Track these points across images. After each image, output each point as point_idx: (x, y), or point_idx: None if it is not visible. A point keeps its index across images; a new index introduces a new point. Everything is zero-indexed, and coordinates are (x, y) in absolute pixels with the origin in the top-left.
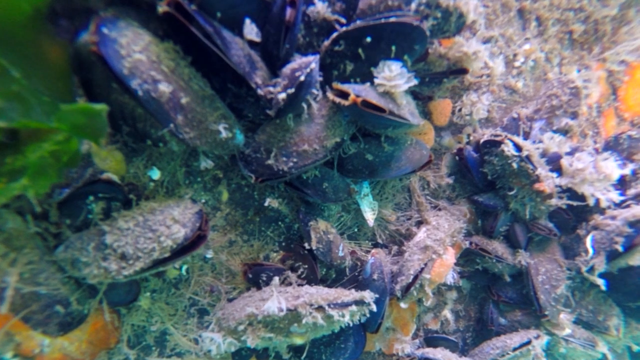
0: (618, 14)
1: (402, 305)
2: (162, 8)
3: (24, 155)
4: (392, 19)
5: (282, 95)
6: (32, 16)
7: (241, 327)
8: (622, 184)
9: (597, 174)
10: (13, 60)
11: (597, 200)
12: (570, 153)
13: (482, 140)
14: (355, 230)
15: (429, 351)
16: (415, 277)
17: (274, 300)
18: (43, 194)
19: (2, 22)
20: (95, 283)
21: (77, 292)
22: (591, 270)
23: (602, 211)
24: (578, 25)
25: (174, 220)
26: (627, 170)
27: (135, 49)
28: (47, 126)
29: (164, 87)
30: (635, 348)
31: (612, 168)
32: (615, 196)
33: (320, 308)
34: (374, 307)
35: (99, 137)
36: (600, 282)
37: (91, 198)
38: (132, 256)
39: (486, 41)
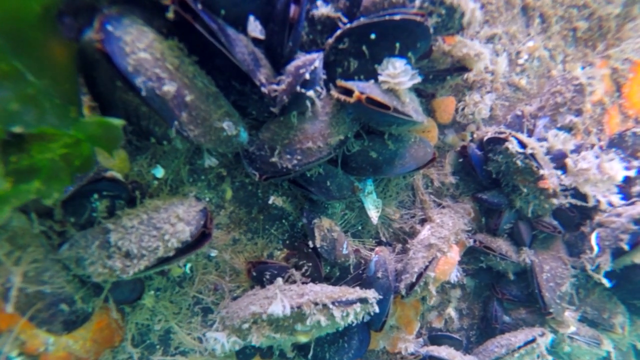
0: (622, 10)
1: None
2: (170, 12)
3: (30, 155)
4: (397, 16)
5: (286, 95)
6: (42, 16)
7: (246, 326)
8: (627, 181)
9: (600, 174)
10: (25, 62)
11: (598, 201)
12: (575, 150)
13: (486, 138)
14: (359, 228)
15: (433, 349)
16: (420, 275)
17: (279, 303)
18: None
19: (13, 23)
20: (100, 281)
21: (82, 290)
22: (597, 269)
23: (605, 210)
24: (582, 22)
25: (178, 218)
26: (632, 172)
27: (139, 47)
28: (63, 133)
29: (169, 85)
30: None
31: (617, 169)
32: (616, 199)
33: (324, 306)
34: (376, 308)
35: (113, 148)
36: (605, 281)
37: (95, 196)
38: (136, 255)
39: (490, 39)
